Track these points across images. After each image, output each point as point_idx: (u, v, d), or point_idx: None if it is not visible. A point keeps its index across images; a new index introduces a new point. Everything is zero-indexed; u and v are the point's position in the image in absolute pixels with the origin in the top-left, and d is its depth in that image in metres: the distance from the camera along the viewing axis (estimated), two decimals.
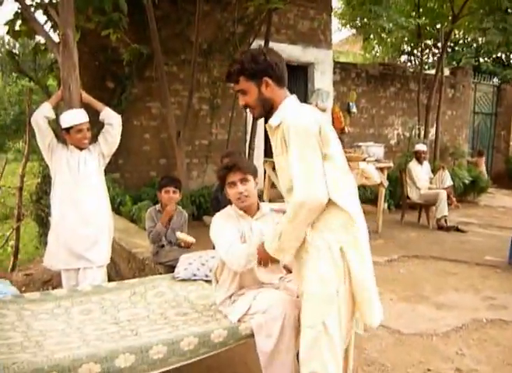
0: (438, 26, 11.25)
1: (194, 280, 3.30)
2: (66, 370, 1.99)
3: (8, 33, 5.51)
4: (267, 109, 2.22)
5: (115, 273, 4.79)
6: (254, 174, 2.76)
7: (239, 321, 2.57)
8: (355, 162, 4.13)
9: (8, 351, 2.17)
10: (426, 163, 8.07)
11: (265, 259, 2.35)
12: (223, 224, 2.68)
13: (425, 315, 4.14)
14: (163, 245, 3.79)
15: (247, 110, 2.29)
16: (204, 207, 7.16)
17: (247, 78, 2.17)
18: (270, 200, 7.40)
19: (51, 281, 5.18)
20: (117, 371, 2.09)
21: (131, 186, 7.11)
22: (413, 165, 7.88)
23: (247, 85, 2.19)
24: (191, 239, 3.70)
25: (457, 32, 12.06)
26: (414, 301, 4.49)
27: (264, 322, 2.45)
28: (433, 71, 11.54)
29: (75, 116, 3.54)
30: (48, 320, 2.67)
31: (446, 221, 7.56)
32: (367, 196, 8.44)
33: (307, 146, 2.03)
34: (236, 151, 4.52)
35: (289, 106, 2.18)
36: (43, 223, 6.02)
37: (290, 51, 8.71)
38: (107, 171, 3.82)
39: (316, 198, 2.00)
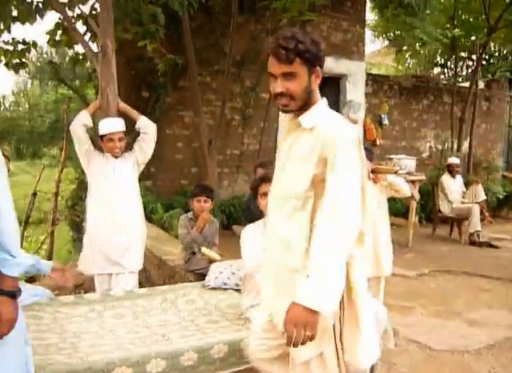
0: (473, 38, 11.11)
1: (225, 289, 3.32)
2: (99, 372, 2.04)
3: (48, 42, 5.70)
4: (306, 104, 1.87)
5: (145, 279, 4.85)
6: None
7: None
8: (384, 175, 4.10)
9: (45, 352, 2.23)
10: (458, 177, 7.94)
11: (307, 326, 1.64)
12: (252, 232, 2.75)
13: (456, 332, 4.06)
14: (194, 253, 3.83)
15: (278, 100, 1.86)
16: (234, 216, 7.20)
17: (302, 62, 1.79)
18: None
19: (83, 285, 5.27)
20: None
21: (162, 193, 7.20)
22: (445, 178, 7.76)
23: (300, 70, 1.80)
24: (213, 255, 3.67)
25: (492, 44, 11.87)
26: (445, 316, 4.42)
27: None
28: (466, 84, 11.38)
29: (109, 125, 3.62)
30: (82, 323, 2.73)
31: (478, 236, 7.42)
32: (398, 208, 8.35)
33: (355, 165, 1.78)
34: (268, 161, 4.53)
35: (325, 110, 1.91)
36: (78, 228, 6.15)
37: None
38: (140, 179, 3.88)
39: (356, 226, 1.73)
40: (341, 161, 1.75)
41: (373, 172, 4.04)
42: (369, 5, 10.11)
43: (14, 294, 1.77)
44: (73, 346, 2.34)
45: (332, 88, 9.35)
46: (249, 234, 2.77)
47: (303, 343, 1.65)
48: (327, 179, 1.77)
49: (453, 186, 7.74)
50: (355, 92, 9.24)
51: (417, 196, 7.08)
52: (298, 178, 1.85)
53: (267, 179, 2.73)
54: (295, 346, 1.65)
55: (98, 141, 3.70)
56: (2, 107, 22.45)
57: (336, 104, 9.37)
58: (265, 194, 2.72)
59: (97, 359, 2.13)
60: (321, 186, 1.80)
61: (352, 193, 1.74)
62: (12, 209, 1.77)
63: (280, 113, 2.03)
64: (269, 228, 1.98)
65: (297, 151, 1.87)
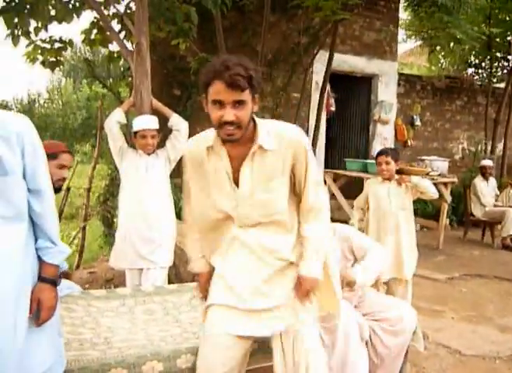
0: (509, 37, 10.86)
1: None
2: (131, 366, 2.08)
3: (83, 41, 5.80)
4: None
5: (174, 275, 4.89)
6: None
7: None
8: (408, 176, 4.05)
9: (80, 347, 2.28)
10: (491, 179, 7.80)
11: (313, 288, 2.08)
12: None
13: (487, 337, 3.99)
14: None
15: (226, 129, 1.82)
16: None
17: (250, 90, 1.81)
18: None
19: (113, 280, 5.35)
20: (178, 371, 2.15)
21: None
22: (478, 180, 7.63)
23: (248, 98, 1.82)
24: None
25: None
26: (476, 321, 4.35)
27: (323, 333, 2.46)
28: (502, 85, 11.14)
29: (142, 122, 3.68)
30: (114, 318, 2.77)
31: None
32: (428, 211, 8.23)
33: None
34: None
35: (266, 123, 1.97)
36: (109, 224, 6.24)
37: (354, 62, 8.67)
38: (170, 176, 3.92)
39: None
40: (311, 160, 1.99)
41: (401, 172, 4.00)
42: (402, 4, 9.98)
43: (55, 282, 1.81)
44: (106, 342, 2.39)
45: (364, 88, 9.29)
46: None
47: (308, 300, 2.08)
48: (307, 179, 1.99)
49: (486, 188, 7.60)
50: (387, 92, 9.14)
51: (448, 198, 6.97)
52: (277, 197, 1.97)
53: None
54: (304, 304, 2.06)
55: (131, 137, 3.76)
56: (37, 104, 22.97)
57: (367, 104, 9.30)
58: None
59: (129, 353, 2.17)
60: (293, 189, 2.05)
61: (319, 183, 2.09)
62: (52, 195, 1.81)
63: (193, 147, 2.04)
64: (247, 244, 2.02)
65: (266, 174, 1.93)
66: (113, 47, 5.99)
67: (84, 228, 6.68)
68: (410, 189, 3.94)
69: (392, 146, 9.03)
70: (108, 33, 5.06)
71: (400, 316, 2.70)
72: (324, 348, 2.40)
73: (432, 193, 3.96)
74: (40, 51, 5.40)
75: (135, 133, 3.68)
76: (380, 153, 3.99)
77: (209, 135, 1.98)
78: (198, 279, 2.29)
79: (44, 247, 1.77)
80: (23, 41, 5.24)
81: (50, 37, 5.40)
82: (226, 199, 1.99)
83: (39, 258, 1.79)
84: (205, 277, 2.21)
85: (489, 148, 10.16)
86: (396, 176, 3.97)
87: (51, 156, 2.86)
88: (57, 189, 2.88)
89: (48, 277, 1.78)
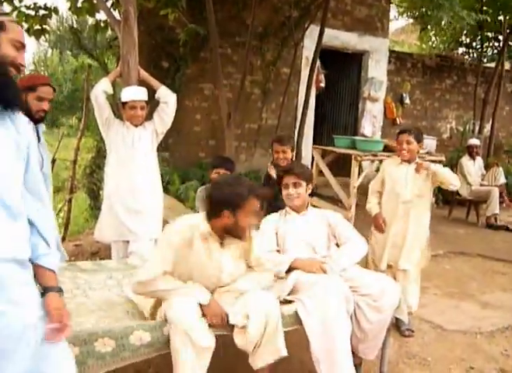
0: (500, 17, 10.80)
1: None
2: (118, 336, 2.08)
3: (70, 9, 5.66)
4: None
5: None
6: (308, 180, 3.04)
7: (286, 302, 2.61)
8: (427, 164, 3.57)
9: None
10: (478, 159, 7.84)
11: None
12: (266, 228, 3.02)
13: (469, 313, 4.07)
14: None
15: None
16: None
17: None
18: (316, 188, 7.37)
19: (99, 253, 5.34)
20: (166, 339, 2.16)
21: (179, 165, 7.19)
22: (465, 160, 7.67)
23: None
24: None
25: None
26: (458, 297, 4.42)
27: (309, 303, 2.49)
28: (492, 65, 11.12)
29: (132, 93, 3.62)
30: (102, 290, 2.77)
31: (496, 219, 7.35)
32: None
33: None
34: (286, 136, 4.47)
35: None
36: (95, 196, 6.21)
37: (345, 38, 8.57)
38: (157, 149, 3.87)
39: None
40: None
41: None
42: None
43: (61, 289, 1.61)
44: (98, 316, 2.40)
45: (354, 64, 9.23)
46: (268, 223, 3.07)
47: None
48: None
49: (472, 168, 7.65)
50: (378, 69, 9.08)
51: None
52: None
53: (289, 171, 3.05)
54: None
55: (119, 108, 3.70)
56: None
57: (357, 81, 9.25)
58: (287, 185, 3.02)
59: (117, 325, 2.18)
60: None
61: None
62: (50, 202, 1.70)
63: None
64: None
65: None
66: (101, 16, 5.87)
67: (70, 201, 6.64)
68: (430, 177, 3.56)
69: (381, 124, 9.04)
70: (95, 1, 4.93)
71: (382, 292, 2.71)
72: (307, 313, 2.45)
73: (452, 185, 3.54)
74: (24, 18, 5.27)
75: (124, 104, 3.62)
76: (403, 131, 3.60)
77: (201, 225, 2.38)
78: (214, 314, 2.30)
79: (38, 246, 1.56)
80: (7, 8, 5.11)
81: (35, 4, 5.27)
82: (207, 278, 2.38)
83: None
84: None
85: (477, 127, 10.19)
86: (417, 160, 3.60)
87: (30, 88, 2.85)
88: (37, 120, 2.91)
89: (55, 286, 1.57)
